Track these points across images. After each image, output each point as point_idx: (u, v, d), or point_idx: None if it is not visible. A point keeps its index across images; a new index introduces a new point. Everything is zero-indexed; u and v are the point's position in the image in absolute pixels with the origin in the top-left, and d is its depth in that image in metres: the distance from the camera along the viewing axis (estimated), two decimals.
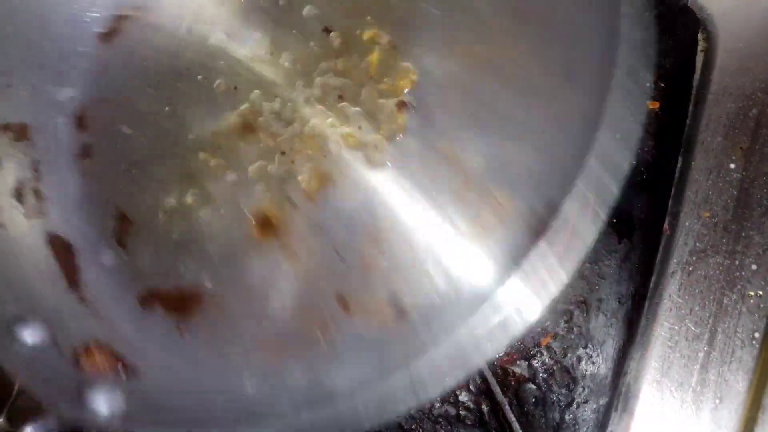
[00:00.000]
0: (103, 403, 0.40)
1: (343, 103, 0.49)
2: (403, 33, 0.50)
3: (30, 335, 0.43)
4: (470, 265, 0.44)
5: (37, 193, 0.52)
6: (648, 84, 0.37)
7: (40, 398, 0.38)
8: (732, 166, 0.41)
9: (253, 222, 0.48)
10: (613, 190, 0.34)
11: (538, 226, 0.41)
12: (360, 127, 0.48)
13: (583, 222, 0.36)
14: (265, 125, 0.50)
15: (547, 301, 0.37)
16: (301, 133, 0.50)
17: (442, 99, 0.47)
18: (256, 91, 0.52)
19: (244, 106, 0.52)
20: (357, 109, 0.49)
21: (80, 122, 0.55)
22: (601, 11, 0.41)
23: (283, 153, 0.49)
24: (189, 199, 0.50)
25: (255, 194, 0.49)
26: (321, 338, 0.45)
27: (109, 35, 0.58)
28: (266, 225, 0.48)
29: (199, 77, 0.54)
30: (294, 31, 0.53)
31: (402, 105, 0.48)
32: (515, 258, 0.42)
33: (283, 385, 0.44)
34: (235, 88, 0.52)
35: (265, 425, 0.39)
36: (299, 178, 0.48)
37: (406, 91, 0.48)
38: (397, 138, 0.47)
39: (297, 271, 0.46)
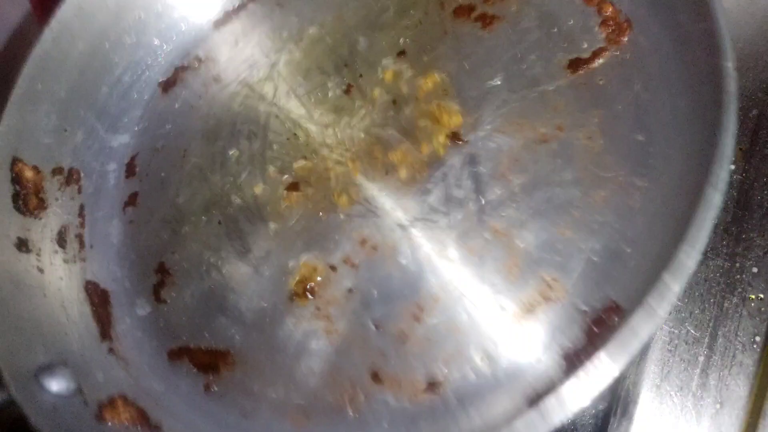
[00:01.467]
0: None
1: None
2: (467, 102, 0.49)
3: (56, 383, 0.42)
4: (515, 351, 0.42)
5: (80, 239, 0.52)
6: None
7: None
8: (732, 167, 0.40)
9: (292, 284, 0.47)
10: (675, 290, 0.32)
11: (590, 318, 0.39)
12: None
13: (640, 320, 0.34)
14: (315, 187, 0.50)
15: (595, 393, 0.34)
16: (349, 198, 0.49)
17: (499, 177, 0.46)
18: (306, 156, 0.52)
19: (296, 165, 0.51)
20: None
21: (130, 170, 0.56)
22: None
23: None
24: (229, 255, 0.50)
25: (296, 256, 0.48)
26: (349, 409, 0.43)
27: (168, 84, 0.59)
28: (303, 288, 0.47)
29: (252, 133, 0.54)
30: (357, 102, 0.53)
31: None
32: (561, 344, 0.41)
33: None
34: (287, 151, 0.52)
35: None
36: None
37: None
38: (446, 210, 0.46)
39: (333, 339, 0.45)
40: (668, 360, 0.42)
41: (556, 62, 0.48)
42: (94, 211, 0.54)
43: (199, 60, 0.59)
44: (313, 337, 0.45)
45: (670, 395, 0.42)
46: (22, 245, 0.48)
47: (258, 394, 0.45)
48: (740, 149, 0.44)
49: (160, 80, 0.59)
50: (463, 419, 0.41)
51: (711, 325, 0.42)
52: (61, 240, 0.51)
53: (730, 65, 0.36)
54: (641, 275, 0.38)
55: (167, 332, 0.48)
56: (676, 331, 0.43)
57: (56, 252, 0.50)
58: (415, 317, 0.44)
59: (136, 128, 0.57)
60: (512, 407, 0.40)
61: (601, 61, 0.47)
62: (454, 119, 0.49)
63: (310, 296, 0.47)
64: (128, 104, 0.57)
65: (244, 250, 0.50)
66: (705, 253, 0.40)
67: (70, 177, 0.54)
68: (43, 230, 0.50)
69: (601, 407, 0.47)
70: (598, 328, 0.40)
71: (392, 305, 0.45)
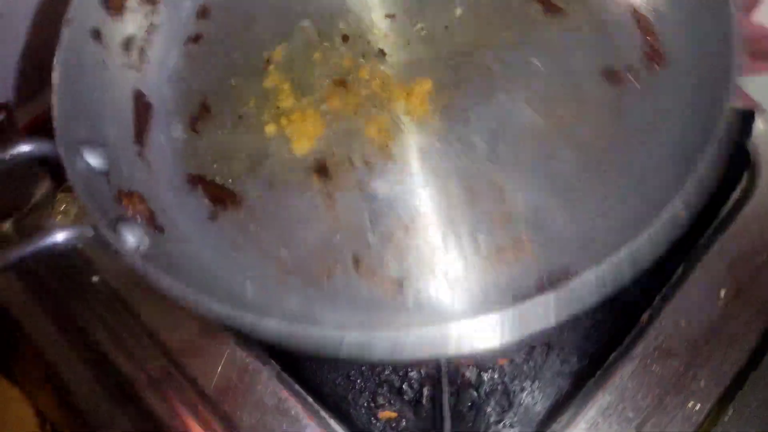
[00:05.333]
0: (131, 236, 0.45)
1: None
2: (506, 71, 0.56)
3: (92, 158, 0.48)
4: (475, 282, 0.49)
5: (142, 52, 0.57)
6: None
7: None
8: (722, 294, 0.47)
9: (313, 161, 0.54)
10: (628, 277, 0.40)
11: (548, 280, 0.47)
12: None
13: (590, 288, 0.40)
14: (357, 87, 0.56)
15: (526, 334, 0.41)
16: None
17: (513, 140, 0.53)
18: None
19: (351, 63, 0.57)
20: None
21: (202, 12, 0.61)
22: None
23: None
24: (266, 116, 0.56)
25: (324, 138, 0.54)
26: (325, 281, 0.50)
27: None
28: (322, 170, 0.53)
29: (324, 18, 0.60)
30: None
31: None
32: (516, 293, 0.48)
33: (278, 304, 0.49)
34: (348, 48, 0.58)
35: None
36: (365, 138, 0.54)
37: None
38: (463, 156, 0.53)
39: (330, 219, 0.51)
40: (598, 424, 0.46)
41: (594, 69, 0.55)
42: (160, 34, 0.59)
43: None
44: (314, 212, 0.52)
45: None
46: (97, 35, 0.53)
47: (253, 235, 0.51)
48: (735, 279, 0.49)
49: None
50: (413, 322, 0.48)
51: (646, 412, 0.46)
52: (126, 46, 0.56)
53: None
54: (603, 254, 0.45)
55: (192, 158, 0.54)
56: (615, 404, 0.47)
57: (119, 54, 0.55)
58: (405, 227, 0.51)
59: None
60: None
61: (631, 76, 0.54)
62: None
63: (324, 178, 0.53)
64: None
65: (278, 118, 0.55)
66: (668, 351, 0.47)
67: None
68: (115, 31, 0.55)
69: None
70: (550, 286, 0.47)
71: (390, 209, 0.51)
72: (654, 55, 0.54)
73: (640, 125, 0.53)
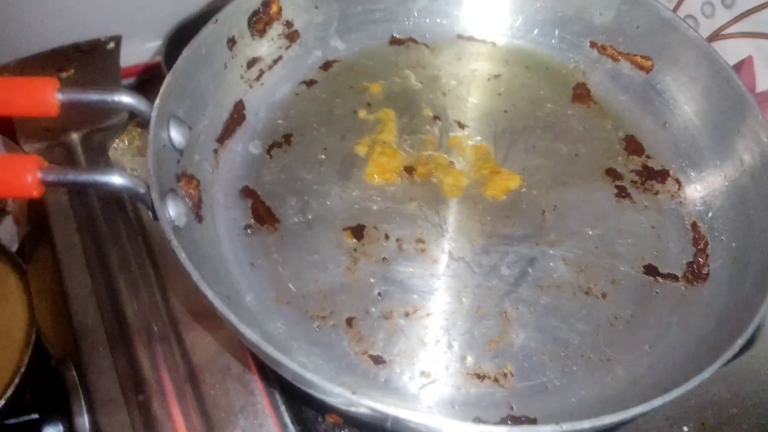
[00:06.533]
0: (173, 210, 0.49)
1: None
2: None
3: (176, 133, 0.53)
4: (447, 390, 0.50)
5: (261, 74, 0.64)
6: None
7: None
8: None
9: (353, 223, 0.57)
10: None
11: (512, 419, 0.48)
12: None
13: None
14: (422, 177, 0.61)
15: None
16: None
17: (537, 286, 0.55)
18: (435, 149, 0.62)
19: (425, 154, 0.62)
20: None
21: (327, 64, 0.67)
22: None
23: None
24: (331, 170, 0.60)
25: (372, 210, 0.58)
26: (315, 324, 0.52)
27: (395, 41, 0.70)
28: (358, 231, 0.57)
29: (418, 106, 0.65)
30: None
31: None
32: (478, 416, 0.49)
33: (265, 323, 0.51)
34: (424, 136, 0.63)
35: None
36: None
37: None
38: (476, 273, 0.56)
39: (345, 276, 0.54)
40: None
41: (639, 259, 0.57)
42: (283, 67, 0.65)
43: (426, 46, 0.71)
44: (334, 264, 0.55)
45: None
46: (231, 43, 0.60)
47: (273, 261, 0.55)
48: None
49: (394, 35, 0.71)
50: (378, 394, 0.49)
51: None
52: (250, 64, 0.63)
53: None
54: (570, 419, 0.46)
55: (255, 175, 0.59)
56: None
57: (242, 66, 0.62)
58: (406, 313, 0.53)
59: (355, 48, 0.69)
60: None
61: (667, 282, 0.56)
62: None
63: (356, 239, 0.56)
64: (363, 29, 0.69)
65: (345, 177, 0.60)
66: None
67: (292, 34, 0.65)
68: (248, 47, 0.62)
69: None
70: (512, 424, 0.48)
71: (400, 291, 0.54)
72: (697, 275, 0.56)
73: (658, 325, 0.54)
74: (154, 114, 0.50)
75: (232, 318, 0.42)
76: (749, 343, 0.54)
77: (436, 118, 0.65)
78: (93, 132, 0.71)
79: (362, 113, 0.65)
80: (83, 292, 0.60)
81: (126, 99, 0.50)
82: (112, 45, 0.76)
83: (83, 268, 0.61)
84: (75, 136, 0.71)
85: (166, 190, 0.49)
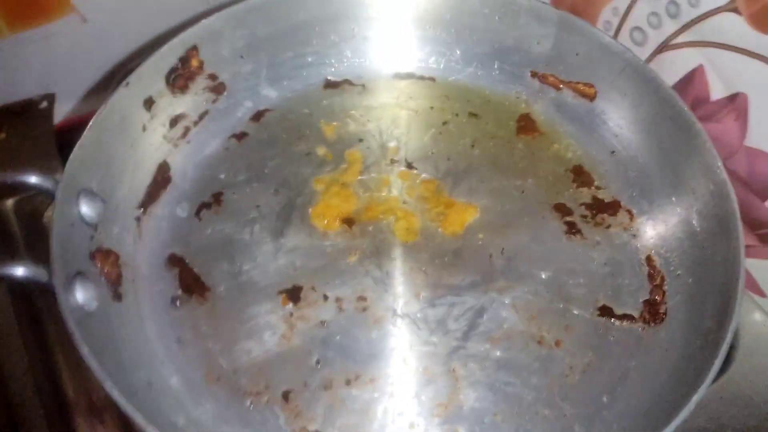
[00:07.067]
0: (81, 294, 0.46)
1: None
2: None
3: (87, 208, 0.50)
4: None
5: (186, 132, 0.61)
6: None
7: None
8: None
9: (289, 284, 0.54)
10: None
11: None
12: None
13: None
14: (362, 230, 0.57)
15: None
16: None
17: (486, 338, 0.52)
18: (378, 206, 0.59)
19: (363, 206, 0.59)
20: None
21: (257, 116, 0.64)
22: None
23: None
24: (267, 229, 0.57)
25: (307, 270, 0.55)
26: (247, 403, 0.48)
27: (329, 85, 0.67)
28: (294, 294, 0.53)
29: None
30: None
31: None
32: None
33: (191, 408, 0.48)
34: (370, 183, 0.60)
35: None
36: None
37: None
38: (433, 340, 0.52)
39: (281, 345, 0.51)
40: None
41: (593, 301, 0.54)
42: (211, 121, 0.62)
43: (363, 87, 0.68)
44: (269, 332, 0.51)
45: None
46: (148, 104, 0.57)
47: (202, 335, 0.51)
48: None
49: (329, 78, 0.68)
50: None
51: None
52: (173, 122, 0.59)
53: None
54: None
55: (181, 241, 0.55)
56: None
57: (163, 126, 0.59)
58: (348, 381, 0.50)
59: (288, 94, 0.66)
60: None
61: (624, 324, 0.53)
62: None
63: (292, 303, 0.53)
64: (296, 75, 0.66)
65: (279, 234, 0.57)
66: None
67: (217, 87, 0.62)
68: (169, 106, 0.59)
69: None
70: None
71: (341, 357, 0.51)
72: (654, 314, 0.53)
73: (616, 372, 0.51)
74: (58, 194, 0.47)
75: (138, 417, 0.38)
76: (724, 366, 0.50)
77: (379, 160, 0.62)
78: (26, 198, 0.68)
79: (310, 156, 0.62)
80: (22, 378, 0.56)
81: (31, 178, 0.47)
82: (45, 104, 0.73)
83: (24, 355, 0.57)
84: (9, 203, 0.68)
85: (72, 273, 0.46)
